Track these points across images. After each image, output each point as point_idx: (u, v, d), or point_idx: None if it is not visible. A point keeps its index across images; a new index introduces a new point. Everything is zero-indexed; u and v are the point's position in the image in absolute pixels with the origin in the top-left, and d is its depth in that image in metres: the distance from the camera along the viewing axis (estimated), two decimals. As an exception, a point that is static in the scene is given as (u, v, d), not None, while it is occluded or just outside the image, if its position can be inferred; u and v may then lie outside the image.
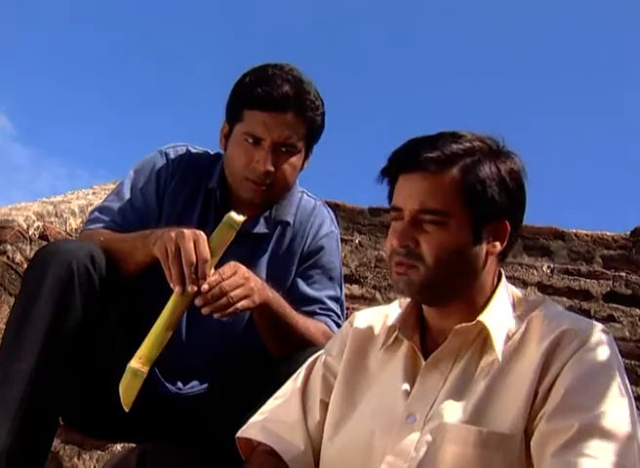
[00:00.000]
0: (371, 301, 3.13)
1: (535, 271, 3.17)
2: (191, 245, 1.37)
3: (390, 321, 1.23)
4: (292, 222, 1.69)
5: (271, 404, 1.27)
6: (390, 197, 1.18)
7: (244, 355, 1.61)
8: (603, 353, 1.06)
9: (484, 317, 1.12)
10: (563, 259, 3.22)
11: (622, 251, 3.20)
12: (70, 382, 1.47)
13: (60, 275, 1.43)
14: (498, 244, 1.15)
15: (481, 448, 1.03)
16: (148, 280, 1.51)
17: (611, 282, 3.09)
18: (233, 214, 1.40)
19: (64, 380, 1.45)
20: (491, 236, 1.14)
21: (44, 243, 2.53)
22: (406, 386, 1.14)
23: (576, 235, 3.26)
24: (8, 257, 2.56)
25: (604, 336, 1.08)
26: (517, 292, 1.21)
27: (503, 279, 1.19)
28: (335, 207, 3.16)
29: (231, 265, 1.43)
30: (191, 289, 1.35)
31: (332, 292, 1.69)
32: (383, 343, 1.21)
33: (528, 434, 1.04)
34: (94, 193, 3.43)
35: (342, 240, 2.54)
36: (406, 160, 1.14)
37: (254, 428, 1.24)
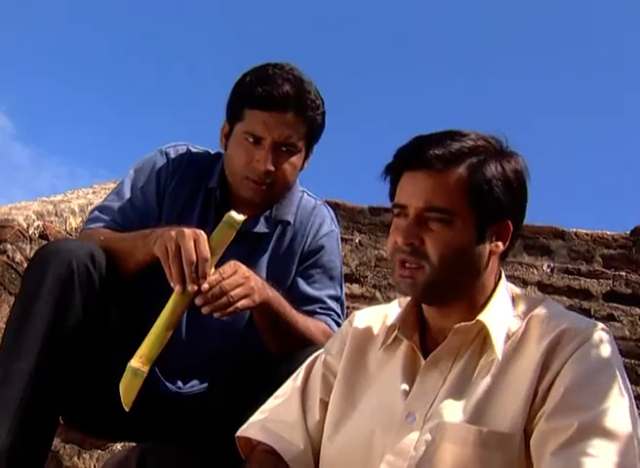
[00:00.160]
0: (371, 300, 3.13)
1: (535, 270, 3.16)
2: (192, 244, 1.37)
3: (390, 320, 1.23)
4: (292, 222, 1.69)
5: (271, 403, 1.27)
6: (392, 194, 1.17)
7: (244, 354, 1.61)
8: (603, 352, 1.06)
9: (483, 316, 1.12)
10: (563, 259, 3.22)
11: (622, 250, 3.20)
12: (70, 381, 1.47)
13: (61, 274, 1.43)
14: (500, 244, 1.15)
15: (481, 448, 1.03)
16: (148, 279, 1.51)
17: (611, 281, 3.09)
18: (233, 214, 1.40)
19: (64, 379, 1.45)
20: (494, 236, 1.14)
21: (44, 242, 2.53)
22: (405, 386, 1.14)
23: (576, 234, 3.26)
24: (8, 257, 2.56)
25: (604, 335, 1.08)
26: (517, 290, 1.21)
27: (503, 278, 1.19)
28: (335, 206, 3.16)
29: (231, 264, 1.43)
30: (191, 288, 1.35)
31: (332, 292, 1.69)
32: (383, 343, 1.21)
33: (528, 433, 1.04)
34: (94, 192, 3.43)
35: (343, 239, 2.54)
36: (411, 157, 1.13)
37: (254, 427, 1.24)
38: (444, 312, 1.16)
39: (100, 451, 1.66)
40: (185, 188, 1.68)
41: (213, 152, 1.75)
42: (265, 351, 1.56)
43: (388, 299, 2.83)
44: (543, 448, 1.01)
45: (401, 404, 1.12)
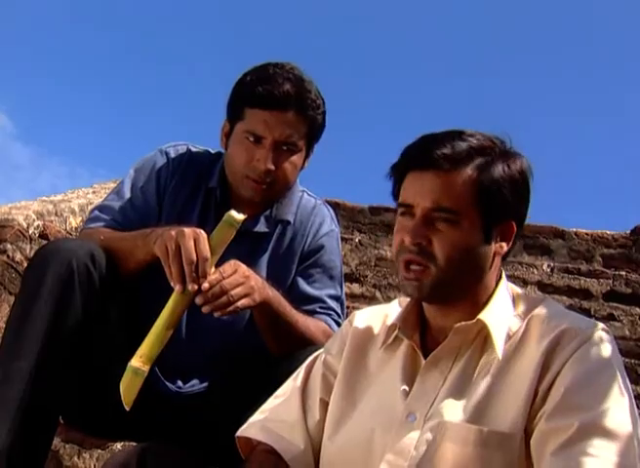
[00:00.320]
0: (371, 300, 3.13)
1: (535, 270, 3.16)
2: (192, 243, 1.37)
3: (390, 320, 1.23)
4: (292, 221, 1.69)
5: (271, 403, 1.27)
6: (396, 193, 1.17)
7: (244, 353, 1.61)
8: (603, 352, 1.06)
9: (484, 315, 1.12)
10: (563, 258, 3.22)
11: (622, 249, 3.20)
12: (70, 381, 1.47)
13: (61, 274, 1.43)
14: (505, 244, 1.15)
15: (481, 447, 1.03)
16: (149, 279, 1.51)
17: (611, 281, 3.09)
18: (233, 213, 1.40)
19: (64, 379, 1.45)
20: (499, 236, 1.14)
21: (44, 242, 2.53)
22: (405, 385, 1.14)
23: (576, 234, 3.26)
24: (8, 256, 2.56)
25: (604, 335, 1.08)
26: (517, 290, 1.21)
27: (504, 278, 1.19)
28: (335, 206, 3.16)
29: (231, 264, 1.43)
30: (192, 287, 1.35)
31: (332, 291, 1.69)
32: (383, 342, 1.21)
33: (528, 433, 1.04)
34: (94, 192, 3.43)
35: (343, 239, 2.54)
36: (419, 157, 1.13)
37: (254, 427, 1.24)
38: (445, 311, 1.16)
39: (100, 451, 1.65)
40: (185, 188, 1.68)
41: (213, 152, 1.75)
42: (265, 351, 1.56)
43: (388, 299, 2.83)
44: (544, 447, 1.01)
45: (401, 403, 1.12)
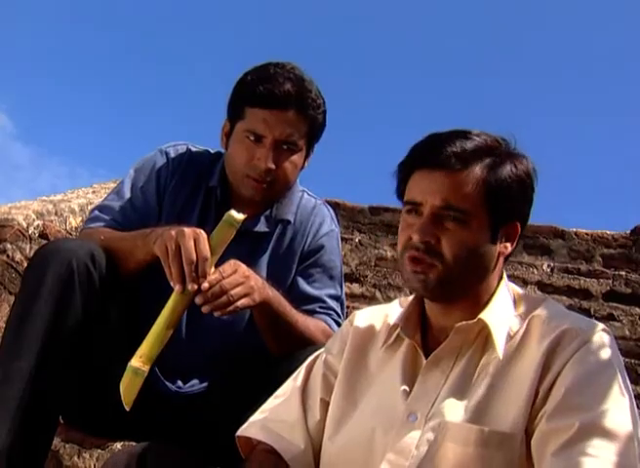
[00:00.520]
0: (371, 300, 3.13)
1: (535, 270, 3.17)
2: (191, 243, 1.37)
3: (390, 320, 1.23)
4: (292, 221, 1.69)
5: (271, 402, 1.27)
6: (400, 191, 1.17)
7: (244, 353, 1.61)
8: (604, 352, 1.06)
9: (485, 315, 1.12)
10: (563, 258, 3.22)
11: (622, 249, 3.20)
12: (70, 381, 1.47)
13: (61, 274, 1.43)
14: (509, 245, 1.16)
15: (482, 447, 1.03)
16: (148, 278, 1.51)
17: (611, 281, 3.09)
18: (233, 213, 1.40)
19: (64, 379, 1.45)
20: (504, 237, 1.15)
21: (44, 242, 2.53)
22: (406, 385, 1.14)
23: (576, 234, 3.26)
24: (8, 256, 2.56)
25: (605, 336, 1.08)
26: (518, 290, 1.21)
27: (505, 278, 1.19)
28: (335, 205, 3.16)
29: (231, 264, 1.43)
30: (192, 287, 1.35)
31: (332, 291, 1.69)
32: (384, 342, 1.21)
33: (529, 433, 1.04)
34: (94, 192, 3.43)
35: (343, 239, 2.54)
36: (427, 155, 1.13)
37: (254, 427, 1.24)
38: (447, 310, 1.16)
39: (100, 451, 1.65)
40: (185, 188, 1.68)
41: (213, 151, 1.75)
42: (265, 351, 1.56)
43: (388, 299, 2.83)
44: (544, 448, 1.01)
45: (402, 403, 1.12)
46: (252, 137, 1.57)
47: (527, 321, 1.13)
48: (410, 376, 1.15)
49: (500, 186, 1.11)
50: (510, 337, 1.11)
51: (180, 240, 1.37)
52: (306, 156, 1.66)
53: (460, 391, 1.09)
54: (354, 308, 2.18)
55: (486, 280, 1.15)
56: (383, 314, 1.27)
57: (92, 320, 1.46)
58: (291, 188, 1.69)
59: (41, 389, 1.39)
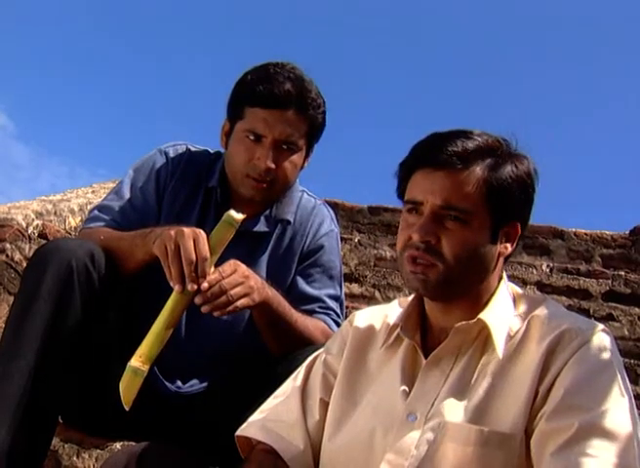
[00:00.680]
0: (370, 300, 3.13)
1: (534, 270, 3.17)
2: (191, 243, 1.37)
3: (390, 320, 1.23)
4: (292, 221, 1.69)
5: (271, 402, 1.27)
6: (401, 191, 1.17)
7: (244, 353, 1.61)
8: (603, 353, 1.06)
9: (484, 315, 1.12)
10: (562, 258, 3.22)
11: (622, 250, 3.20)
12: (70, 380, 1.47)
13: (60, 273, 1.43)
14: (509, 245, 1.16)
15: (482, 447, 1.03)
16: (148, 278, 1.51)
17: (610, 281, 3.10)
18: (233, 213, 1.40)
19: (64, 378, 1.45)
20: (504, 237, 1.15)
21: (43, 241, 2.52)
22: (406, 385, 1.14)
23: (575, 234, 3.27)
24: (7, 256, 2.55)
25: (604, 336, 1.08)
26: (518, 290, 1.21)
27: (504, 278, 1.19)
28: (334, 205, 3.16)
29: (231, 263, 1.43)
30: (191, 287, 1.35)
31: (331, 291, 1.69)
32: (384, 342, 1.21)
33: (528, 433, 1.04)
34: (93, 192, 3.43)
35: (342, 239, 2.54)
36: (429, 155, 1.13)
37: (253, 427, 1.24)
38: (447, 310, 1.16)
39: (99, 451, 1.65)
40: (185, 187, 1.68)
41: (212, 151, 1.75)
42: (265, 351, 1.56)
43: (387, 299, 2.83)
44: (543, 448, 1.01)
45: (402, 403, 1.12)
46: (252, 137, 1.57)
47: (527, 321, 1.13)
48: (409, 376, 1.15)
49: (501, 186, 1.11)
50: (510, 337, 1.11)
51: (180, 240, 1.37)
52: (306, 156, 1.66)
53: (459, 391, 1.09)
54: (354, 308, 2.18)
55: (486, 280, 1.15)
56: (383, 314, 1.27)
57: (91, 319, 1.46)
58: (290, 188, 1.69)
59: (40, 388, 1.39)
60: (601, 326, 1.10)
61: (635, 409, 1.04)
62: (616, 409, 1.01)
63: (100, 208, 1.67)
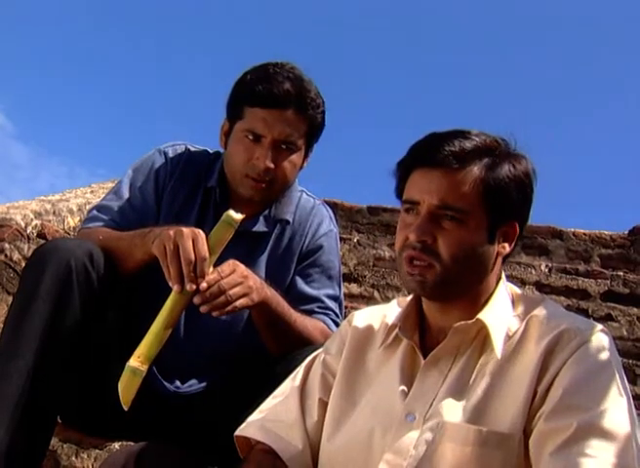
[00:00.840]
0: (369, 300, 3.13)
1: (533, 270, 3.17)
2: (190, 243, 1.37)
3: (389, 320, 1.23)
4: (291, 221, 1.69)
5: (270, 402, 1.27)
6: (399, 191, 1.17)
7: (243, 353, 1.61)
8: (602, 353, 1.06)
9: (483, 315, 1.12)
10: (561, 258, 3.22)
11: (620, 250, 3.21)
12: (69, 380, 1.47)
13: (59, 273, 1.43)
14: (507, 245, 1.16)
15: (480, 447, 1.03)
16: (147, 278, 1.51)
17: (609, 281, 3.10)
18: (232, 213, 1.40)
19: (63, 378, 1.45)
20: (502, 237, 1.15)
21: (42, 241, 2.53)
22: (405, 385, 1.14)
23: (574, 234, 3.27)
24: (6, 256, 2.55)
25: (603, 336, 1.08)
26: (516, 290, 1.21)
27: (503, 278, 1.19)
28: (333, 206, 3.16)
29: (230, 263, 1.43)
30: (190, 287, 1.35)
31: (330, 291, 1.69)
32: (383, 342, 1.21)
33: (527, 433, 1.04)
34: (92, 192, 3.43)
35: (341, 239, 2.54)
36: (426, 154, 1.13)
37: (252, 427, 1.24)
38: (445, 310, 1.16)
39: (98, 451, 1.65)
40: (184, 187, 1.68)
41: (211, 151, 1.75)
42: (264, 351, 1.56)
43: (387, 299, 2.83)
44: (542, 448, 1.01)
45: (400, 403, 1.12)
46: (251, 137, 1.57)
47: (525, 321, 1.13)
48: (408, 377, 1.15)
49: (498, 186, 1.11)
50: (509, 338, 1.11)
51: (179, 240, 1.37)
52: (305, 156, 1.66)
53: (458, 391, 1.09)
54: (352, 308, 2.18)
55: (484, 280, 1.15)
56: (382, 314, 1.27)
57: (90, 319, 1.46)
58: (289, 188, 1.69)
59: (39, 388, 1.39)
60: (600, 326, 1.10)
61: (634, 409, 1.04)
62: (614, 409, 1.01)
63: (99, 208, 1.67)
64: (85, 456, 1.66)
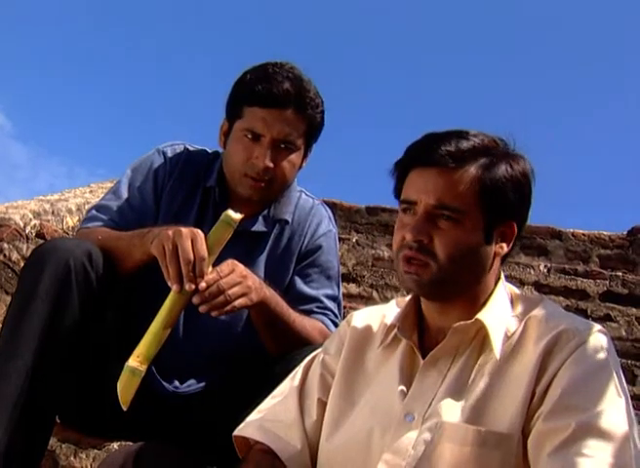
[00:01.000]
0: (368, 300, 3.13)
1: (532, 270, 3.17)
2: (189, 243, 1.37)
3: (388, 320, 1.23)
4: (290, 221, 1.69)
5: (268, 402, 1.27)
6: (397, 191, 1.17)
7: (241, 353, 1.61)
8: (600, 353, 1.06)
9: (482, 315, 1.12)
10: (560, 259, 3.22)
11: (619, 250, 3.21)
12: (67, 380, 1.47)
13: (58, 273, 1.42)
14: (505, 245, 1.16)
15: (479, 448, 1.03)
16: (146, 278, 1.51)
17: (607, 281, 3.10)
18: (231, 212, 1.40)
19: (61, 378, 1.45)
20: (499, 237, 1.15)
21: (41, 241, 2.53)
22: (404, 385, 1.14)
23: (573, 234, 3.27)
24: (4, 256, 2.55)
25: (601, 337, 1.08)
26: (515, 290, 1.21)
27: (502, 278, 1.19)
28: (332, 206, 3.15)
29: (229, 263, 1.43)
30: (189, 287, 1.35)
31: (329, 291, 1.69)
32: (382, 342, 1.21)
33: (525, 433, 1.04)
34: (91, 191, 3.42)
35: (340, 239, 2.54)
36: (423, 154, 1.13)
37: (251, 427, 1.24)
38: (444, 310, 1.16)
39: (96, 451, 1.65)
40: (183, 187, 1.68)
41: (210, 151, 1.75)
42: (263, 350, 1.56)
43: (385, 299, 2.83)
44: (540, 448, 1.01)
45: (399, 403, 1.12)
46: (250, 136, 1.57)
47: (524, 321, 1.13)
48: (407, 377, 1.15)
49: (495, 186, 1.11)
50: (507, 338, 1.12)
51: (178, 240, 1.37)
52: (304, 156, 1.66)
53: (457, 391, 1.09)
54: (351, 308, 2.18)
55: (482, 280, 1.15)
56: (381, 314, 1.27)
57: (89, 319, 1.46)
58: (289, 188, 1.69)
59: (38, 388, 1.39)
60: (598, 326, 1.11)
61: (632, 410, 1.04)
62: (612, 409, 1.01)
63: (98, 207, 1.67)
64: (83, 456, 1.66)
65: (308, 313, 1.63)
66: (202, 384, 1.64)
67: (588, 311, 3.01)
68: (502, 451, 1.03)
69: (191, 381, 1.64)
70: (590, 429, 0.99)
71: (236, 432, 1.25)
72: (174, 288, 1.36)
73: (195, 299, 1.37)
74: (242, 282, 1.42)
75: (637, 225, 3.24)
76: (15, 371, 1.38)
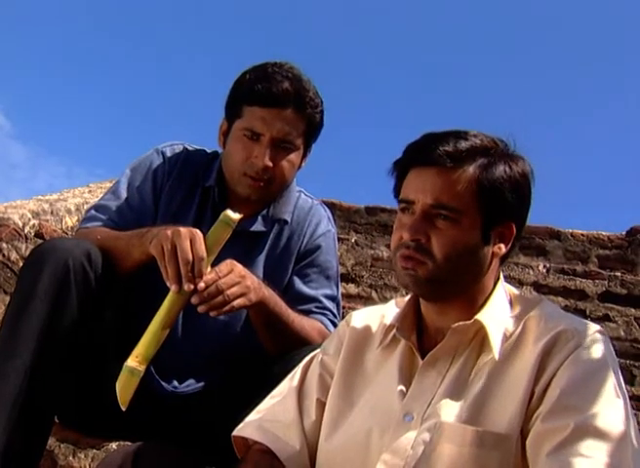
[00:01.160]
0: (367, 300, 3.13)
1: (530, 271, 3.17)
2: (187, 243, 1.37)
3: (387, 320, 1.23)
4: (289, 221, 1.69)
5: (267, 403, 1.27)
6: (397, 190, 1.17)
7: (240, 353, 1.61)
8: (599, 354, 1.06)
9: (481, 316, 1.12)
10: (559, 259, 3.22)
11: (618, 250, 3.21)
12: (66, 380, 1.47)
13: (56, 273, 1.42)
14: (503, 246, 1.15)
15: (477, 448, 1.03)
16: (144, 278, 1.51)
17: (606, 282, 3.10)
18: (230, 212, 1.40)
19: (60, 378, 1.45)
20: (497, 238, 1.14)
21: (40, 241, 2.53)
22: (403, 385, 1.14)
23: (571, 235, 3.27)
24: (3, 255, 2.55)
25: (600, 337, 1.08)
26: (514, 290, 1.21)
27: (501, 279, 1.19)
28: (331, 206, 3.16)
29: (228, 263, 1.43)
30: (188, 287, 1.35)
31: (328, 291, 1.69)
32: (381, 342, 1.21)
33: (524, 434, 1.04)
34: (90, 191, 3.42)
35: (339, 239, 2.54)
36: (421, 154, 1.13)
37: (250, 427, 1.24)
38: (443, 310, 1.16)
39: (95, 451, 1.65)
40: (182, 187, 1.68)
41: (209, 151, 1.75)
42: (262, 351, 1.56)
43: (384, 299, 2.83)
44: (539, 448, 1.01)
45: (398, 403, 1.12)
46: (249, 135, 1.57)
47: (523, 322, 1.13)
48: (406, 377, 1.15)
49: (493, 186, 1.11)
50: (506, 338, 1.12)
51: (176, 240, 1.37)
52: (304, 156, 1.66)
53: (456, 392, 1.09)
54: (350, 309, 2.18)
55: (480, 280, 1.15)
56: (380, 314, 1.27)
57: (88, 319, 1.46)
58: (288, 188, 1.69)
59: (36, 388, 1.39)
60: (597, 326, 1.11)
61: (630, 410, 1.04)
62: (611, 409, 1.01)
63: (97, 207, 1.67)
64: (82, 456, 1.66)
65: (307, 313, 1.63)
66: (201, 384, 1.64)
67: (587, 311, 3.01)
68: (501, 452, 1.03)
69: (190, 381, 1.64)
70: (589, 429, 0.99)
71: (235, 432, 1.25)
72: (172, 288, 1.36)
73: (194, 299, 1.37)
74: (241, 282, 1.42)
75: (636, 226, 3.24)
76: (13, 371, 1.38)
